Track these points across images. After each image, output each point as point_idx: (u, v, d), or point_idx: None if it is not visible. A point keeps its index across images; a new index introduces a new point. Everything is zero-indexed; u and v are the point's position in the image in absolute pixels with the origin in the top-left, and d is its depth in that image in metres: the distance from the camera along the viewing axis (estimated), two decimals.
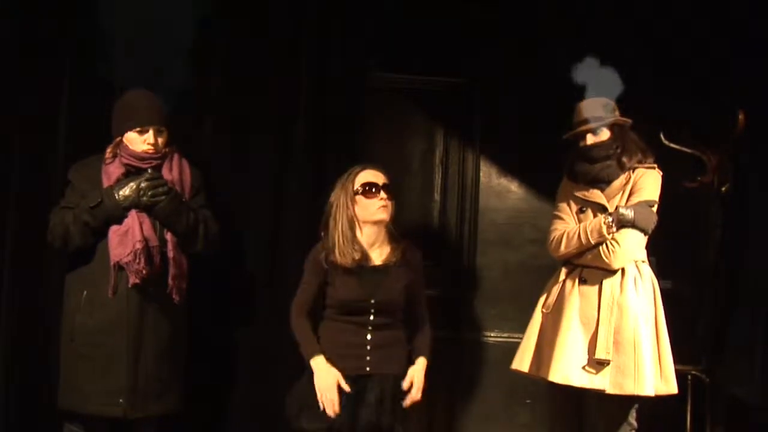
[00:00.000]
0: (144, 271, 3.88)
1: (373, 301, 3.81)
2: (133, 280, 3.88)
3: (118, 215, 3.91)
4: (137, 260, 3.88)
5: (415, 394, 3.82)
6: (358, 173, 3.90)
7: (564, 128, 4.17)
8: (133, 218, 3.91)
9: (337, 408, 3.73)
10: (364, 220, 3.87)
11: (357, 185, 3.87)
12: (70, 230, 3.92)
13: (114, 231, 3.92)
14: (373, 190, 3.86)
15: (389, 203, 3.88)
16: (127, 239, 3.89)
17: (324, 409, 3.73)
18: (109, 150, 4.02)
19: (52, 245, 4.00)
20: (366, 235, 3.88)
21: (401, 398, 3.81)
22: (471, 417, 5.05)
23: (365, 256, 3.86)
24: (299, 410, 3.80)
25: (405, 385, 3.81)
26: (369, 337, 3.82)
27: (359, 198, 3.87)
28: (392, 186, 3.93)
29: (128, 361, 3.89)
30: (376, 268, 3.87)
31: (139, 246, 3.88)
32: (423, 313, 3.98)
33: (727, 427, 4.68)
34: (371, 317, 3.82)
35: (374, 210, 3.85)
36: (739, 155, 4.78)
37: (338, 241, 3.84)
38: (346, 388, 3.75)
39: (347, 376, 3.78)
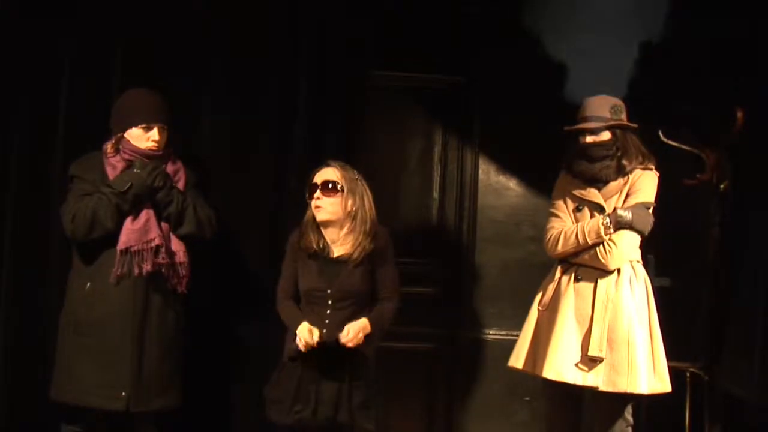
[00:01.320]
0: (166, 264, 3.94)
1: (329, 291, 3.83)
2: (146, 268, 3.89)
3: (146, 194, 3.93)
4: (161, 256, 3.93)
5: (345, 341, 3.77)
6: (313, 174, 3.93)
7: (562, 126, 4.16)
8: (149, 214, 3.95)
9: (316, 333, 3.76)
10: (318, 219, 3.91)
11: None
12: (98, 214, 3.89)
13: (130, 220, 3.92)
14: (312, 190, 3.88)
15: (327, 201, 3.84)
16: (148, 229, 3.93)
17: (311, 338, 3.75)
18: (110, 145, 4.01)
19: (73, 234, 3.93)
20: (327, 230, 3.90)
21: (361, 391, 3.82)
22: (470, 415, 5.06)
23: (326, 247, 3.88)
24: (270, 403, 3.88)
25: (341, 336, 3.77)
26: (325, 330, 3.79)
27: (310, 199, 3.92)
28: (349, 181, 3.87)
29: (132, 354, 3.90)
30: (334, 259, 3.87)
31: (160, 242, 3.93)
32: (389, 291, 3.94)
33: (725, 425, 4.67)
34: (328, 310, 3.83)
35: (314, 211, 3.88)
36: (738, 153, 4.77)
37: (305, 231, 3.89)
38: (316, 334, 3.74)
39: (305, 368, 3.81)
